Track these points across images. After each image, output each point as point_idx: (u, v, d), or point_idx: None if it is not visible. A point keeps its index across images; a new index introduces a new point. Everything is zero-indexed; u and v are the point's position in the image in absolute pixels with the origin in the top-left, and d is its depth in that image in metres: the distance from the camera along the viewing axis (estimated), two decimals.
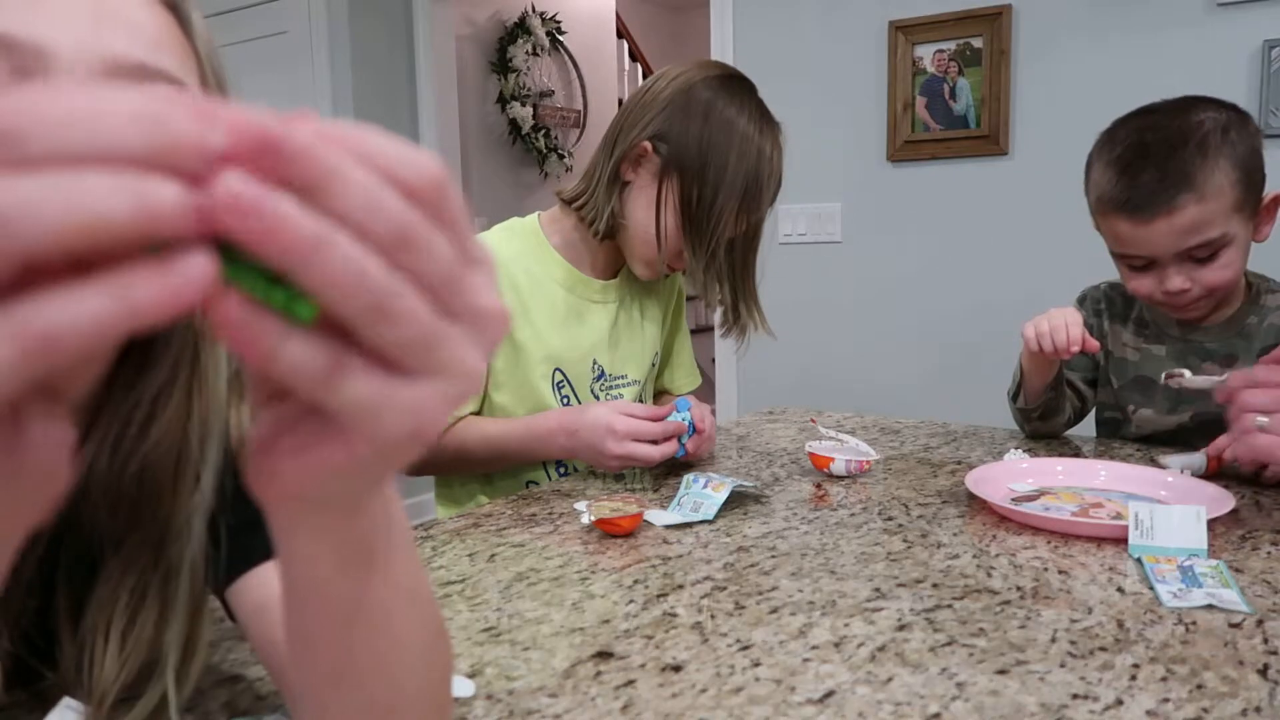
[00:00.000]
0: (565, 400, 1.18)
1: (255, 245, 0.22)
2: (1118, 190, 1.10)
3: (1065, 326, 1.14)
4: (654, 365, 1.32)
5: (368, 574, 0.36)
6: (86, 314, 0.20)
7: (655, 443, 1.06)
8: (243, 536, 0.53)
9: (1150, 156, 1.09)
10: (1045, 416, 1.29)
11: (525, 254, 1.18)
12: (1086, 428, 1.39)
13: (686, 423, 1.09)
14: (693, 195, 1.10)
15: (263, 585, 0.52)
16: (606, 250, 1.21)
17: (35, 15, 0.43)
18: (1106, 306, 1.31)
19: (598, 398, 1.21)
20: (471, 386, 0.28)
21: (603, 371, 1.22)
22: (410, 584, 0.40)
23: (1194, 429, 1.21)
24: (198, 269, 0.22)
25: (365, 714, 0.40)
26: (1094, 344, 1.14)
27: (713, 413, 1.18)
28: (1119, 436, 1.31)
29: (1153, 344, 1.25)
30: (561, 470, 1.20)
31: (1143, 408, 1.26)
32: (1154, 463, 1.11)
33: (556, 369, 1.17)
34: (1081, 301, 1.33)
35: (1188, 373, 1.03)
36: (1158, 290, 1.12)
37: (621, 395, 1.25)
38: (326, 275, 0.23)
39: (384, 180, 0.24)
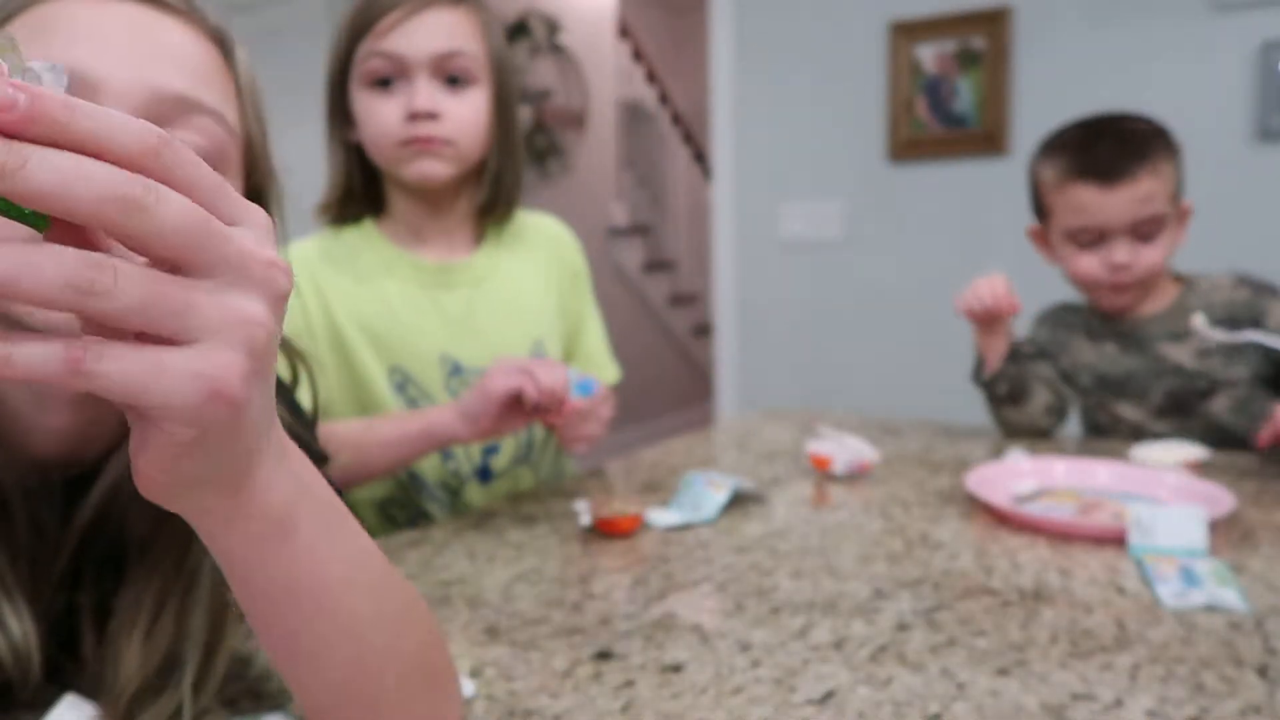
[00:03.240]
0: (412, 402, 1.06)
1: None
2: (1083, 160, 1.21)
3: (990, 284, 1.22)
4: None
5: (283, 547, 0.35)
6: None
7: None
8: None
9: (1105, 132, 1.23)
10: (1015, 399, 1.30)
11: (349, 254, 1.08)
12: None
13: (585, 390, 0.98)
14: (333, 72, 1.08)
15: None
16: (455, 221, 1.11)
17: (87, 46, 0.45)
18: (1061, 322, 1.38)
19: (455, 395, 1.07)
20: (257, 332, 0.28)
21: (458, 365, 1.08)
22: (354, 554, 0.39)
23: (1168, 407, 1.27)
24: None
25: (336, 690, 0.40)
26: (1016, 303, 1.22)
27: (606, 403, 1.03)
28: (1112, 437, 1.32)
29: (1105, 343, 1.32)
30: (447, 455, 1.08)
31: (1118, 400, 1.31)
32: (1143, 459, 1.12)
33: (396, 368, 1.06)
34: (1041, 322, 1.41)
35: (1216, 333, 1.15)
36: (1101, 267, 1.22)
37: None
38: (35, 189, 0.24)
39: (98, 149, 0.25)
